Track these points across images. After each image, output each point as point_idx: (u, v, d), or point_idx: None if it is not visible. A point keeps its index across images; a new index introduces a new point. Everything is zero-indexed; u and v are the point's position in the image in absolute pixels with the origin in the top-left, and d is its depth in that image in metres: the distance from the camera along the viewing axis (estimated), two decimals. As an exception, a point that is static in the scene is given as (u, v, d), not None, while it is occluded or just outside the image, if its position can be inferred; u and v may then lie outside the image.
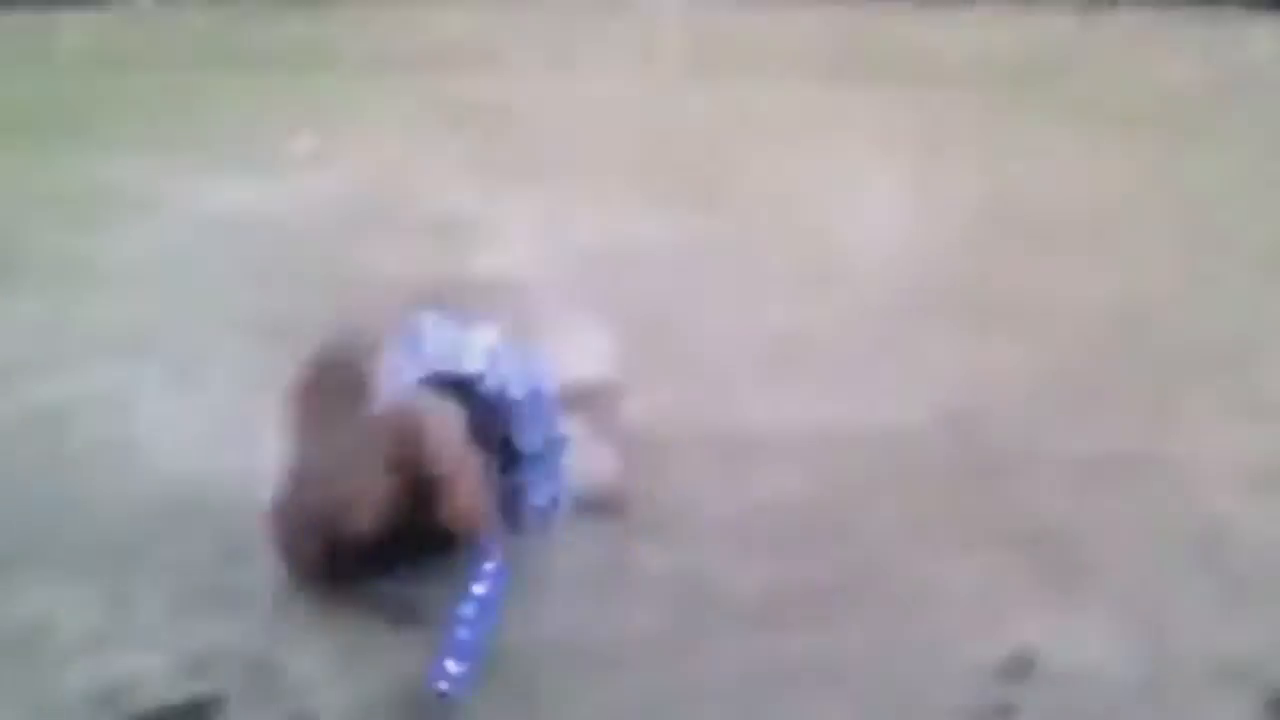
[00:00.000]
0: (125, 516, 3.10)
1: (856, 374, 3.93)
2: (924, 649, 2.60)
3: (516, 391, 2.86)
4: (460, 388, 2.80)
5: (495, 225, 5.35)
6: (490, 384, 2.83)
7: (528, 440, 2.82)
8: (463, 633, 2.35)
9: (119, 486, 3.24)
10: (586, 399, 3.15)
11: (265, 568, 2.81)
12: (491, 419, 2.80)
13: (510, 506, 2.80)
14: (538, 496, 2.84)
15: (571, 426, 3.01)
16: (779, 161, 6.55)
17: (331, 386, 2.61)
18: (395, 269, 4.76)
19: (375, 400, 2.60)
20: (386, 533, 2.52)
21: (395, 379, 2.92)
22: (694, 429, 3.55)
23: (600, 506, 2.97)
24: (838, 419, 3.63)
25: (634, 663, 2.54)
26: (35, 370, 3.96)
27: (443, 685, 2.27)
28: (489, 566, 2.46)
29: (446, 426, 2.61)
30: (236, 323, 4.30)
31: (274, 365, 3.89)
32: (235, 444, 3.44)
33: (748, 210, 5.65)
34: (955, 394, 3.77)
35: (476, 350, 2.92)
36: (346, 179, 6.05)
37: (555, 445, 2.89)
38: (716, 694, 2.46)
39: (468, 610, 2.38)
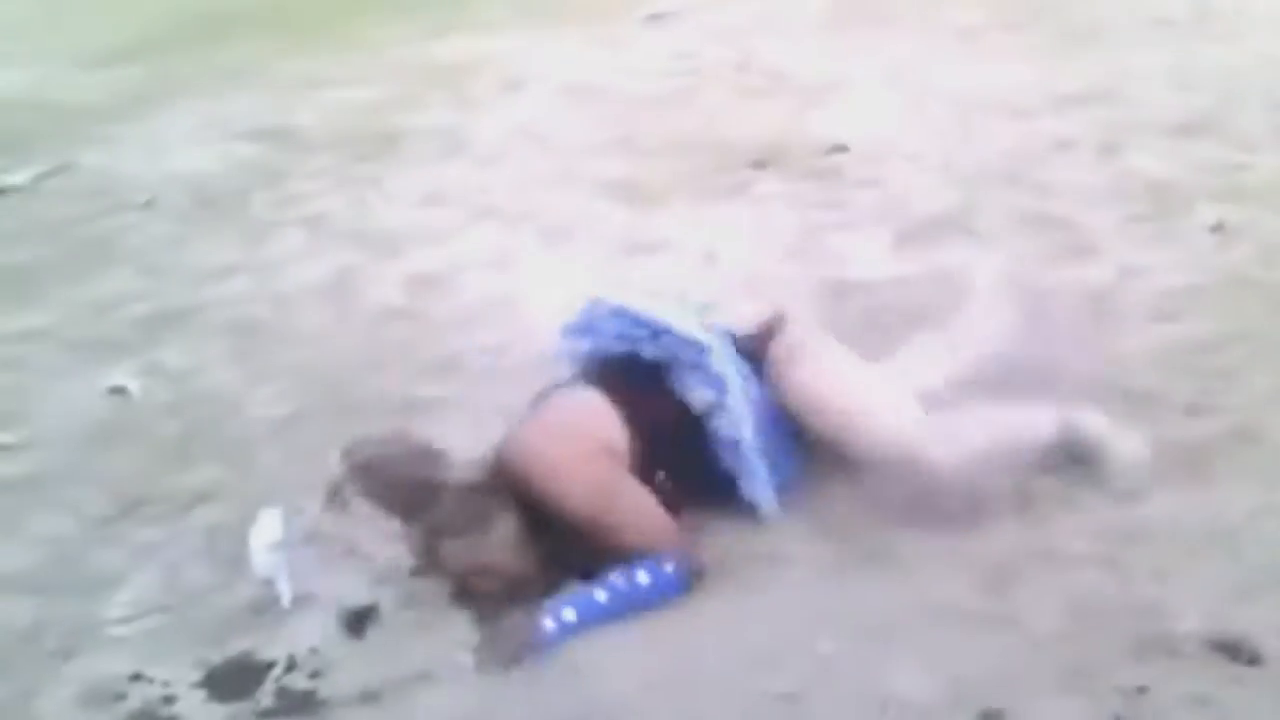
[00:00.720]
0: (504, 371, 3.33)
1: (1234, 226, 3.66)
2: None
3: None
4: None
5: (842, 82, 5.30)
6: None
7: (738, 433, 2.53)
8: (599, 595, 2.33)
9: (504, 341, 3.50)
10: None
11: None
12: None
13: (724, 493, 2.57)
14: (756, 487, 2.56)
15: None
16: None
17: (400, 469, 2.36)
18: (743, 132, 4.82)
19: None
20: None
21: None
22: (1057, 283, 3.44)
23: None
24: (1213, 272, 3.42)
25: (991, 525, 2.52)
26: (422, 236, 4.27)
27: (549, 622, 2.28)
28: (665, 569, 2.36)
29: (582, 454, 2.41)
30: (598, 187, 4.49)
31: (634, 226, 4.10)
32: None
33: (1113, 51, 5.32)
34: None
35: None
36: (698, 45, 6.11)
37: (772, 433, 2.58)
38: (1077, 555, 2.41)
39: (619, 584, 2.34)
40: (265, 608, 2.50)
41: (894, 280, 3.57)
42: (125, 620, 2.54)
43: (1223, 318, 3.19)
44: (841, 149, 4.54)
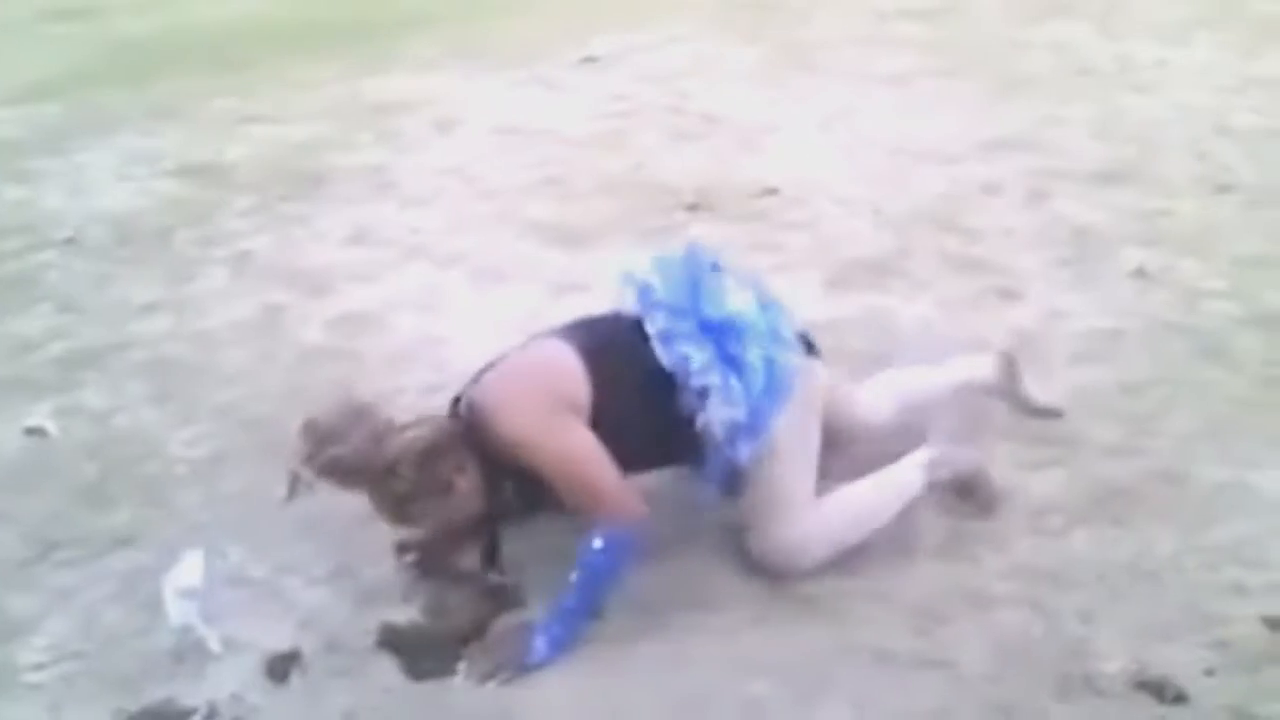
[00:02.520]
0: (433, 412, 3.29)
1: (1155, 271, 3.74)
2: (1226, 555, 2.50)
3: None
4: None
5: (774, 126, 5.35)
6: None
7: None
8: (570, 599, 2.35)
9: (430, 382, 3.45)
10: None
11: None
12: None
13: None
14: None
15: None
16: (1080, 39, 6.26)
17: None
18: (675, 174, 4.84)
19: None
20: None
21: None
22: (981, 327, 3.49)
23: (963, 493, 2.73)
24: (1135, 316, 3.49)
25: (921, 566, 2.55)
26: (350, 275, 4.22)
27: (541, 642, 2.33)
28: (610, 536, 2.34)
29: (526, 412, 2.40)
30: (530, 227, 4.48)
31: (566, 267, 4.09)
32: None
33: (1043, 96, 5.43)
34: (1271, 291, 3.56)
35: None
36: (632, 88, 6.14)
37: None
38: (1004, 596, 2.44)
39: (579, 574, 2.35)
40: (185, 654, 2.43)
41: (824, 322, 3.58)
42: (40, 667, 2.46)
43: (1144, 361, 3.26)
44: (773, 192, 4.57)
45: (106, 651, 2.49)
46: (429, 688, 2.32)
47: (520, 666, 2.32)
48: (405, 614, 2.49)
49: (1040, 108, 5.27)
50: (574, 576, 2.36)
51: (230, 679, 2.37)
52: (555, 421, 2.37)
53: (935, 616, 2.40)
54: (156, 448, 3.24)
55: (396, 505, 2.41)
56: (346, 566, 2.66)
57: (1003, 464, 2.83)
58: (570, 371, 2.43)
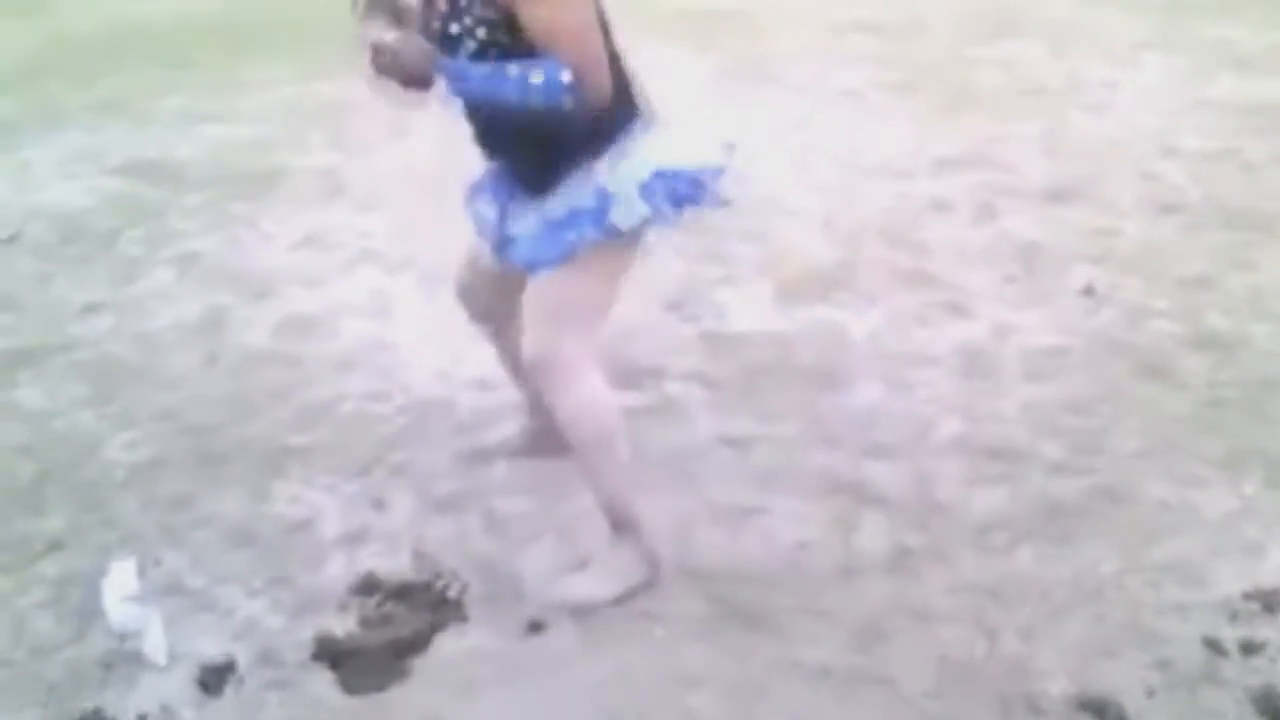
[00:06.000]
0: (378, 420, 3.27)
1: (1102, 290, 3.77)
2: (1168, 575, 2.51)
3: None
4: None
5: (727, 137, 5.34)
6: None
7: None
8: (482, 68, 2.30)
9: (376, 389, 3.43)
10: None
11: (501, 473, 2.98)
12: None
13: None
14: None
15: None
16: (1032, 58, 6.30)
17: None
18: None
19: None
20: None
21: None
22: (929, 342, 3.50)
23: None
24: (1082, 334, 3.51)
25: (864, 581, 2.54)
26: (298, 280, 4.17)
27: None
28: (559, 75, 2.30)
29: None
30: (482, 234, 4.43)
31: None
32: (479, 351, 3.60)
33: (994, 114, 5.45)
34: (1215, 312, 3.59)
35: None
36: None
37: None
38: (946, 612, 2.44)
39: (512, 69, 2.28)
40: (116, 663, 2.39)
41: (774, 334, 3.59)
42: (-34, 676, 2.41)
43: (1091, 379, 3.28)
44: (725, 203, 4.55)
45: (36, 660, 2.43)
46: (364, 701, 2.28)
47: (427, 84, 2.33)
48: (342, 625, 2.45)
49: (991, 125, 5.30)
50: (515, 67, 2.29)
51: (162, 690, 2.32)
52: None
53: (876, 633, 2.39)
54: (94, 451, 3.19)
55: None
56: (284, 576, 2.62)
57: (948, 480, 2.84)
58: None
